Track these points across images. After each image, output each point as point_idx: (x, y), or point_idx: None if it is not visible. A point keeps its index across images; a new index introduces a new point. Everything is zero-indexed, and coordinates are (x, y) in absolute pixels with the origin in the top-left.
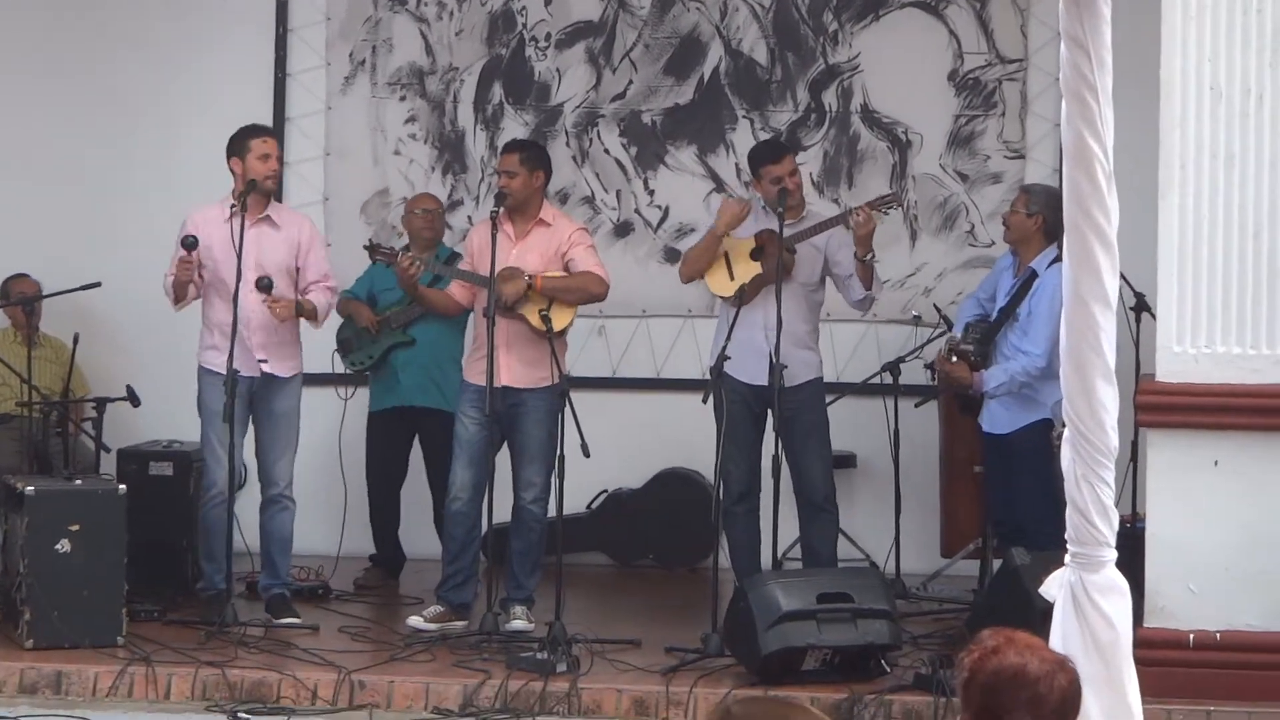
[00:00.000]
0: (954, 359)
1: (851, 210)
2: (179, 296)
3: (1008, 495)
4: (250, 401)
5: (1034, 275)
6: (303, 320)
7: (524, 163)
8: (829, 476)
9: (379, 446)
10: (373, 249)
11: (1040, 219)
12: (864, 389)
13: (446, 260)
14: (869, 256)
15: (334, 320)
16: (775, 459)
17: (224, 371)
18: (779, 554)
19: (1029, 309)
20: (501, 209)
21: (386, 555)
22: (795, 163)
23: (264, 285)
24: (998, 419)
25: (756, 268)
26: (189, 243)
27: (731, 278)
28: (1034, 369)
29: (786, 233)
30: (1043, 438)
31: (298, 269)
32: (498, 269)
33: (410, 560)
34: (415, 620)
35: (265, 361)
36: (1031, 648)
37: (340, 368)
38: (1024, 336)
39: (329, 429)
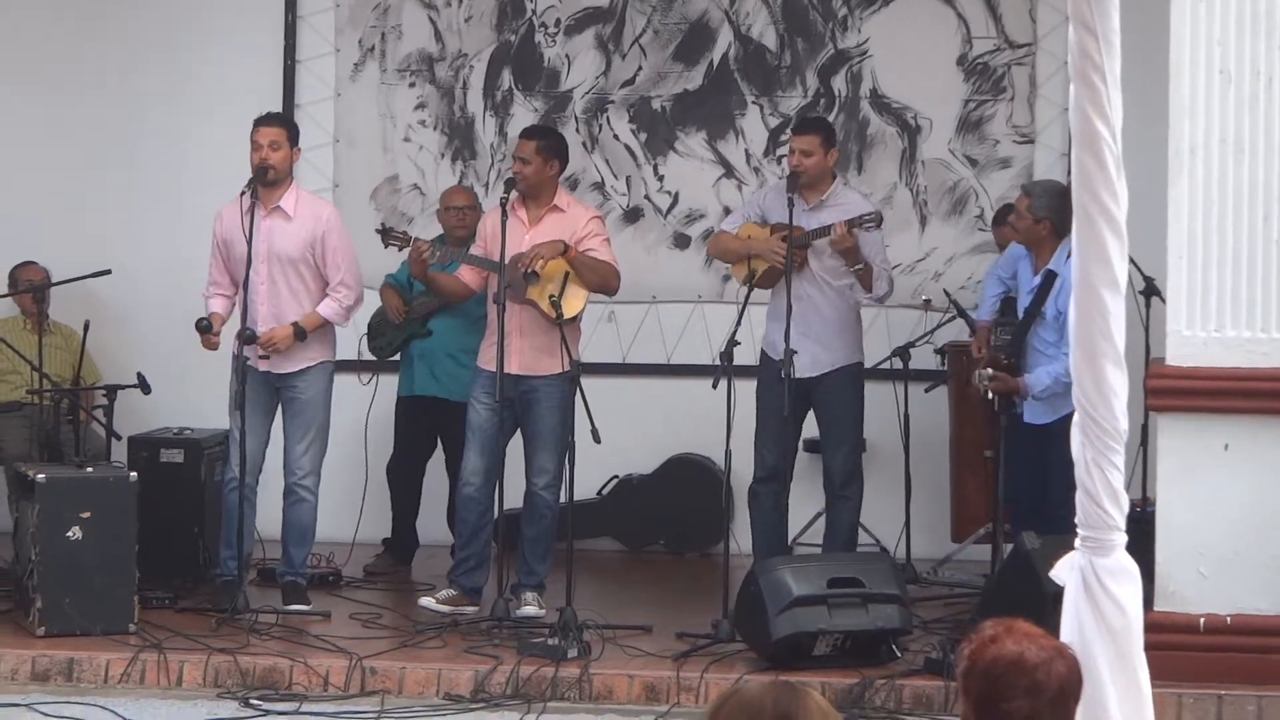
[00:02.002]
0: (991, 378)
1: (833, 226)
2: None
3: (1034, 479)
4: (275, 391)
5: (1053, 276)
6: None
7: (540, 151)
8: (848, 464)
9: (402, 431)
10: (385, 233)
11: (1048, 224)
12: (874, 374)
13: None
14: (856, 269)
15: (368, 306)
16: (789, 446)
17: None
18: (790, 540)
19: (1056, 309)
20: (513, 195)
21: (400, 540)
22: (816, 144)
23: (248, 338)
24: (1038, 410)
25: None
26: (202, 326)
27: (749, 267)
28: None
29: (805, 219)
30: None
31: (315, 262)
32: (511, 255)
33: (423, 546)
34: (427, 601)
35: (265, 357)
36: (1029, 635)
37: (365, 355)
38: (1060, 337)
39: (355, 417)
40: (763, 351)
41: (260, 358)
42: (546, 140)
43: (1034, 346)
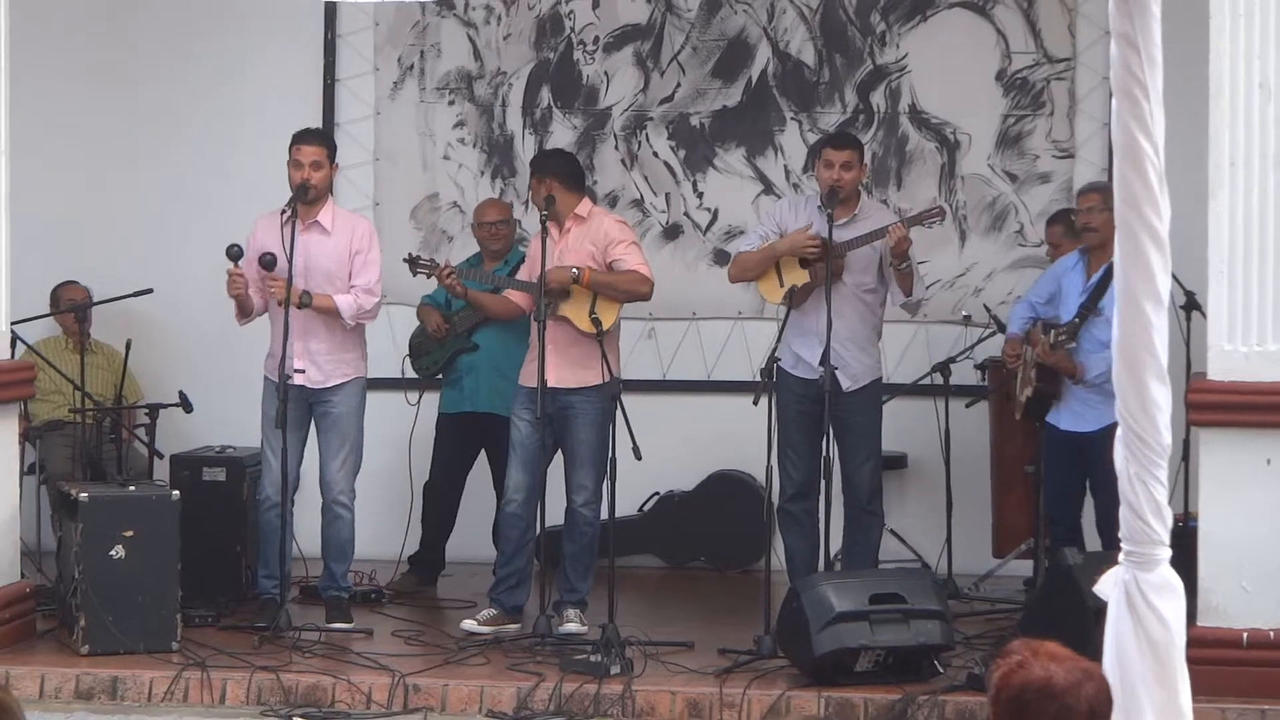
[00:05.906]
0: (1054, 345)
1: (891, 225)
2: (241, 311)
3: (1080, 493)
4: (309, 408)
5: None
6: (366, 326)
7: (534, 176)
8: (874, 478)
9: (444, 449)
10: (413, 262)
11: None
12: (915, 390)
13: (517, 263)
14: (904, 265)
15: (410, 324)
16: (826, 461)
17: (274, 377)
18: (831, 555)
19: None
20: (549, 217)
21: (427, 559)
22: (856, 159)
23: (267, 263)
24: (1082, 417)
25: (805, 274)
26: (233, 253)
27: (781, 283)
28: None
29: (837, 234)
30: None
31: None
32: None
33: (461, 564)
34: (469, 624)
35: (301, 371)
36: (1057, 658)
37: (409, 373)
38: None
39: (396, 434)
40: (779, 368)
41: (296, 371)
42: (534, 166)
43: (1083, 346)
